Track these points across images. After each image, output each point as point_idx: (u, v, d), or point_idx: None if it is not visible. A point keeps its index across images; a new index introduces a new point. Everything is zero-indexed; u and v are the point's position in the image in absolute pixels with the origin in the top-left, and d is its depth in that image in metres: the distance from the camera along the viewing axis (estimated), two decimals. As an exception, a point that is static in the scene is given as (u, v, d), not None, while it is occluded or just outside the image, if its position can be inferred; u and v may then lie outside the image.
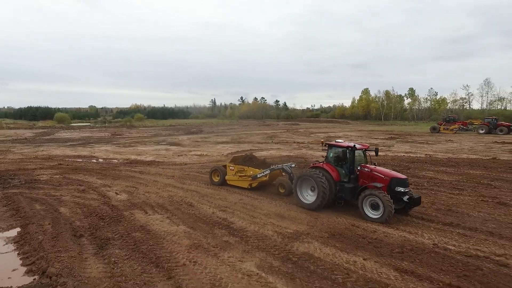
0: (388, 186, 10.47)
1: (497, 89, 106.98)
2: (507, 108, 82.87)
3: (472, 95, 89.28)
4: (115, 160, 23.55)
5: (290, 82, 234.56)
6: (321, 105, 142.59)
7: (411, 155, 24.93)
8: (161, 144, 34.96)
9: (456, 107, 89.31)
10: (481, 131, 44.44)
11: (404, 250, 8.06)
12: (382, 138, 39.40)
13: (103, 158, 24.60)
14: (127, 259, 7.62)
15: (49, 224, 9.96)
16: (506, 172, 17.65)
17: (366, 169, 11.18)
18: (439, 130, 47.69)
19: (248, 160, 15.36)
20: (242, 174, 14.33)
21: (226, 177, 14.91)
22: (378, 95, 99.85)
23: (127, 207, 11.79)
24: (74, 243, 8.55)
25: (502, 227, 9.69)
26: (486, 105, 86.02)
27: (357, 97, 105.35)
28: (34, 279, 6.82)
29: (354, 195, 10.97)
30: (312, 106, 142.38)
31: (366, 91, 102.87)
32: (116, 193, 13.71)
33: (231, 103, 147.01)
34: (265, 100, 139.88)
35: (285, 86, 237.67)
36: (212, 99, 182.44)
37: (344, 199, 11.30)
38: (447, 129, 47.12)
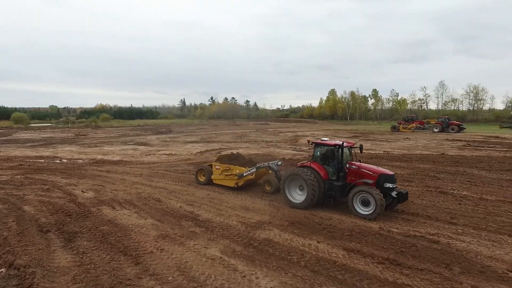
0: (376, 182, 10.55)
1: (451, 91, 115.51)
2: (459, 109, 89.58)
3: (429, 96, 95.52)
4: (80, 160, 23.08)
5: (260, 83, 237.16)
6: (290, 106, 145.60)
7: (371, 151, 26.60)
8: (129, 144, 34.45)
9: (415, 107, 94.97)
10: (435, 130, 48.02)
11: (353, 233, 9.05)
12: (346, 137, 41.19)
13: (67, 159, 23.99)
14: (96, 249, 7.95)
15: (13, 221, 9.94)
16: (451, 166, 19.56)
17: (354, 166, 11.26)
18: (399, 129, 50.82)
19: (234, 158, 15.14)
20: (228, 173, 14.13)
21: (212, 177, 14.69)
22: (344, 96, 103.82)
23: (94, 204, 11.93)
24: (41, 237, 8.70)
25: (439, 212, 11.02)
26: (441, 106, 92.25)
27: (325, 98, 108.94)
28: (1, 271, 6.97)
29: (344, 192, 11.06)
30: (282, 107, 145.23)
31: (333, 92, 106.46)
32: (83, 191, 13.72)
33: (201, 103, 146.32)
34: (236, 100, 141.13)
35: (255, 86, 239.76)
36: (181, 99, 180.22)
37: (333, 197, 11.33)
38: (406, 128, 50.35)
